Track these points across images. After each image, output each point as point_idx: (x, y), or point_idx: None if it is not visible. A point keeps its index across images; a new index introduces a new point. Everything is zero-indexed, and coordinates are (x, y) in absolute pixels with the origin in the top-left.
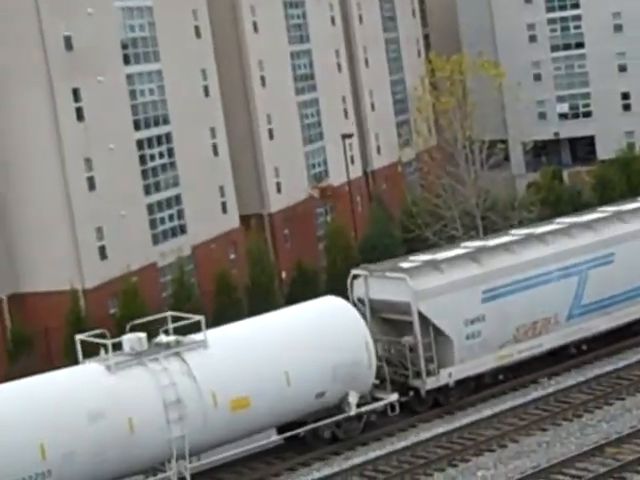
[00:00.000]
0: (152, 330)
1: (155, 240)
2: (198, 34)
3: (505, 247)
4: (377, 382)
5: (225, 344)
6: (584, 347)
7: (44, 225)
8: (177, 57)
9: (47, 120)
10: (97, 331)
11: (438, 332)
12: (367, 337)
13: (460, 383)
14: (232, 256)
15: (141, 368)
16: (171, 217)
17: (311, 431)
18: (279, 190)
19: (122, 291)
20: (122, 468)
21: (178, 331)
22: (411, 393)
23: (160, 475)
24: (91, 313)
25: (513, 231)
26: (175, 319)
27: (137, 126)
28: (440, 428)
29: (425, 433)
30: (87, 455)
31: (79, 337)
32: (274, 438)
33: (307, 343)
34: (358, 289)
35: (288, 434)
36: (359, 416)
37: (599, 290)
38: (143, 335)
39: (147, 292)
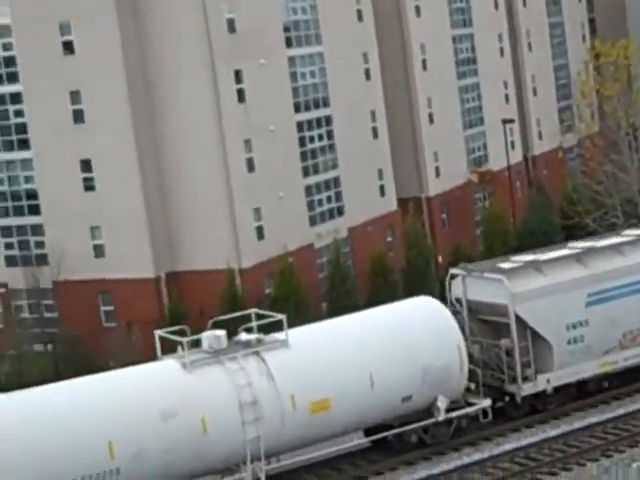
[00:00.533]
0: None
1: (312, 221)
2: (360, 17)
3: (614, 249)
4: (471, 386)
5: (307, 344)
6: None
7: (203, 205)
8: (339, 40)
9: (209, 102)
10: (177, 327)
11: (537, 336)
12: (459, 340)
13: (559, 390)
14: (389, 239)
15: (218, 367)
16: (329, 199)
17: (398, 435)
18: (438, 174)
19: (278, 271)
20: (194, 468)
21: (264, 329)
22: (506, 398)
23: (235, 476)
24: (247, 292)
25: (627, 231)
26: (260, 317)
27: (297, 108)
28: (533, 437)
29: (522, 440)
30: (158, 454)
31: (158, 333)
32: (360, 441)
33: (394, 345)
34: (456, 289)
35: (374, 437)
36: (449, 421)
37: None
38: (222, 333)
39: (303, 273)
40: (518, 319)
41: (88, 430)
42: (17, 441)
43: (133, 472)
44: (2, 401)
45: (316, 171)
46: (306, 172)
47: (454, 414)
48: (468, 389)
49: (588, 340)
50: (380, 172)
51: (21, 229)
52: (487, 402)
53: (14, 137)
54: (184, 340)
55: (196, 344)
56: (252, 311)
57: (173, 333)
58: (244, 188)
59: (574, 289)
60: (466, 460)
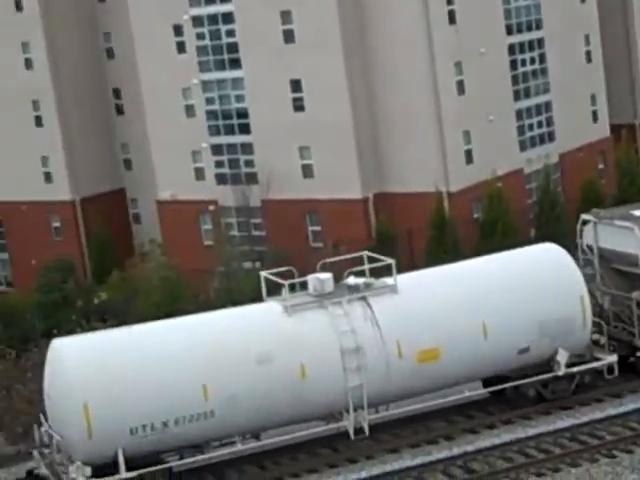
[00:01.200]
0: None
1: (522, 146)
2: None
3: None
4: (601, 339)
5: (418, 290)
6: None
7: (412, 127)
8: None
9: (419, 24)
10: (284, 268)
11: None
12: (583, 292)
13: None
14: (600, 166)
15: (321, 311)
16: (540, 124)
17: (515, 388)
18: None
19: (486, 196)
20: (291, 414)
21: (376, 273)
22: (638, 354)
23: (337, 424)
24: (454, 216)
25: None
26: (372, 260)
27: (509, 31)
28: None
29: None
30: (253, 399)
31: (264, 274)
32: (471, 393)
33: (511, 294)
34: (587, 235)
35: (492, 388)
36: (571, 376)
37: None
38: (328, 276)
39: (511, 198)
40: None
41: (183, 371)
42: (116, 377)
43: (228, 415)
44: (103, 338)
45: (527, 95)
46: (517, 96)
47: (575, 369)
48: (596, 343)
49: None
50: (593, 97)
51: (231, 148)
52: (613, 357)
53: (225, 56)
54: (286, 283)
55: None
56: (363, 254)
57: (278, 275)
58: (454, 111)
59: None
60: (584, 418)
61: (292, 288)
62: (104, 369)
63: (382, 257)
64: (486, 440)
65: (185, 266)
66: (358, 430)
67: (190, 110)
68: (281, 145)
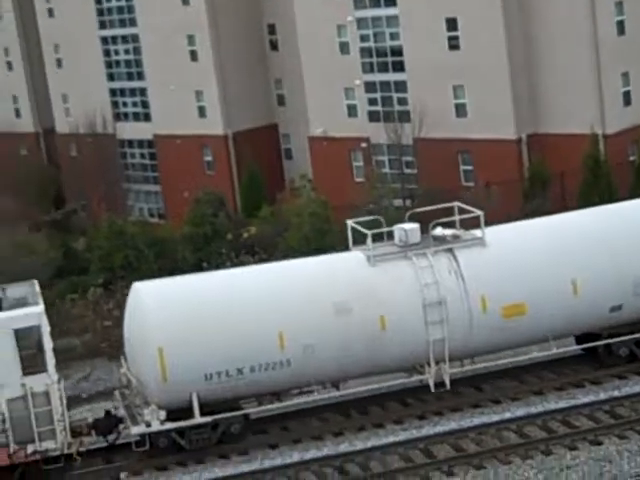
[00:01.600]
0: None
1: None
2: None
3: None
4: None
5: (507, 243)
6: None
7: (568, 67)
8: None
9: None
10: (370, 217)
11: None
12: None
13: None
14: None
15: (404, 262)
16: None
17: (606, 347)
18: None
19: None
20: (370, 366)
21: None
22: None
23: (418, 377)
24: (609, 158)
25: None
26: (463, 211)
27: None
28: None
29: None
30: (330, 349)
31: (350, 222)
32: (558, 350)
33: (604, 250)
34: None
35: (586, 345)
36: None
37: None
38: (414, 226)
39: None
40: None
41: (260, 319)
42: (192, 322)
43: (304, 365)
44: (183, 283)
45: None
46: None
47: None
48: None
49: None
50: None
51: (385, 85)
52: None
53: None
54: (369, 232)
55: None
56: (454, 204)
57: (367, 224)
58: (613, 51)
59: None
60: None
61: (379, 238)
62: (180, 314)
63: (472, 208)
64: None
65: (335, 202)
66: (440, 384)
67: (344, 47)
68: (435, 84)
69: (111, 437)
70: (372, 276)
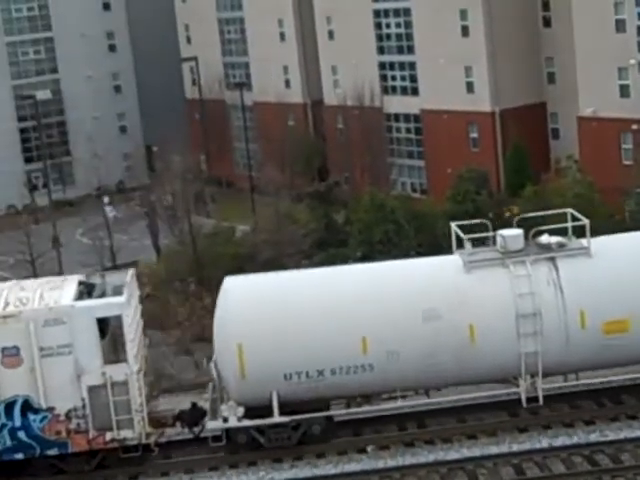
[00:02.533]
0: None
1: None
2: None
3: None
4: None
5: (614, 255)
6: None
7: None
8: None
9: None
10: (477, 220)
11: None
12: None
13: None
14: None
15: (501, 270)
16: None
17: None
18: None
19: None
20: (457, 376)
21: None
22: None
23: (511, 389)
24: None
25: None
26: (576, 218)
27: None
28: None
29: None
30: (415, 356)
31: (454, 224)
32: None
33: None
34: None
35: None
36: None
37: None
38: (516, 232)
39: None
40: None
41: (343, 321)
42: (274, 321)
43: (388, 371)
44: (272, 280)
45: None
46: None
47: None
48: None
49: None
50: None
51: None
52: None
53: None
54: (465, 237)
55: None
56: (567, 210)
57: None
58: None
59: None
60: None
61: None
62: (263, 311)
63: (580, 216)
64: None
65: (601, 184)
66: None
67: (620, 25)
68: None
69: (196, 429)
70: (465, 283)
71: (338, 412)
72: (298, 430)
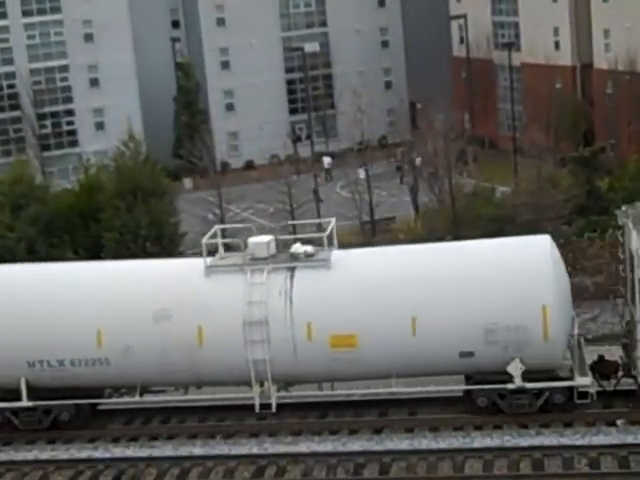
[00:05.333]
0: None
1: None
2: None
3: None
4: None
5: (354, 269)
6: None
7: None
8: None
9: None
10: (241, 225)
11: None
12: (547, 300)
13: None
14: None
15: (236, 276)
16: None
17: (468, 394)
18: None
19: None
20: (191, 377)
21: None
22: None
23: (245, 394)
24: None
25: None
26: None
27: None
28: None
29: None
30: (149, 354)
31: (205, 240)
32: (396, 389)
33: (445, 289)
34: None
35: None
36: (538, 392)
37: None
38: (267, 239)
39: None
40: None
41: (79, 314)
42: (21, 311)
43: (124, 366)
44: (29, 271)
45: None
46: None
47: (529, 385)
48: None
49: None
50: None
51: None
52: (584, 380)
53: None
54: (220, 241)
55: None
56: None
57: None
58: None
59: None
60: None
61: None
62: (10, 300)
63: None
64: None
65: None
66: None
67: None
68: None
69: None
70: (202, 286)
71: (84, 401)
72: (49, 415)
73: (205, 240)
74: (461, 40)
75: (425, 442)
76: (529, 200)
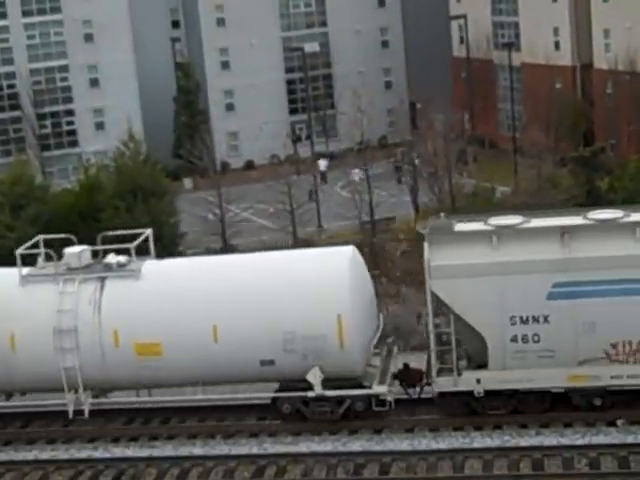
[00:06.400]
0: None
1: None
2: None
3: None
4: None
5: (161, 280)
6: None
7: None
8: None
9: None
10: (62, 235)
11: (466, 325)
12: (342, 310)
13: (501, 395)
14: None
15: (49, 286)
16: None
17: (274, 401)
18: None
19: None
20: (6, 384)
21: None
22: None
23: (60, 400)
24: None
25: None
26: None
27: None
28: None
29: None
30: None
31: (40, 237)
32: (200, 397)
33: (248, 298)
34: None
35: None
36: (340, 400)
37: None
38: (81, 248)
39: None
40: (437, 298)
41: None
42: None
43: None
44: None
45: None
46: None
47: (329, 393)
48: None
49: (548, 343)
50: None
51: None
52: (381, 389)
53: None
54: (42, 251)
55: None
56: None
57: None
58: None
59: (535, 272)
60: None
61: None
62: None
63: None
64: None
65: None
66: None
67: None
68: None
69: None
70: (16, 295)
71: None
72: None
73: (20, 251)
74: (461, 40)
75: (425, 442)
76: (529, 200)
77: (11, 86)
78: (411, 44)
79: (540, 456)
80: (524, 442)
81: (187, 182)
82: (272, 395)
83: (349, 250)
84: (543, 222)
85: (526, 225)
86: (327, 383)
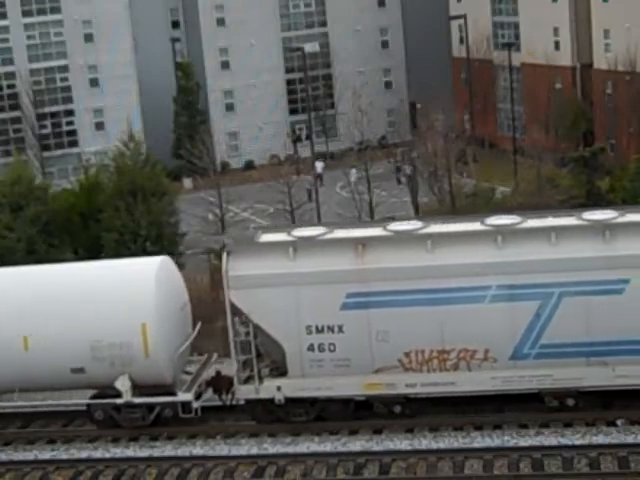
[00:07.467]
0: None
1: None
2: None
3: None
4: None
5: None
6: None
7: None
8: None
9: None
10: None
11: (265, 334)
12: (147, 319)
13: (304, 402)
14: None
15: None
16: None
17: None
18: None
19: None
20: None
21: None
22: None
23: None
24: None
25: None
26: None
27: None
28: None
29: None
30: None
31: None
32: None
33: (63, 310)
34: None
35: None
36: (150, 407)
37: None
38: None
39: None
40: (236, 309)
41: None
42: None
43: None
44: None
45: None
46: None
47: (137, 400)
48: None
49: (343, 351)
50: None
51: None
52: (186, 396)
53: None
54: None
55: None
56: None
57: None
58: None
59: (330, 283)
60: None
61: None
62: None
63: None
64: None
65: None
66: None
67: None
68: None
69: None
70: None
71: None
72: None
73: None
74: (461, 40)
75: (425, 442)
76: (529, 200)
77: (11, 86)
78: (411, 44)
79: (540, 456)
80: (524, 442)
81: (187, 182)
82: (84, 402)
83: (158, 260)
84: (342, 233)
85: (324, 237)
86: (141, 390)
